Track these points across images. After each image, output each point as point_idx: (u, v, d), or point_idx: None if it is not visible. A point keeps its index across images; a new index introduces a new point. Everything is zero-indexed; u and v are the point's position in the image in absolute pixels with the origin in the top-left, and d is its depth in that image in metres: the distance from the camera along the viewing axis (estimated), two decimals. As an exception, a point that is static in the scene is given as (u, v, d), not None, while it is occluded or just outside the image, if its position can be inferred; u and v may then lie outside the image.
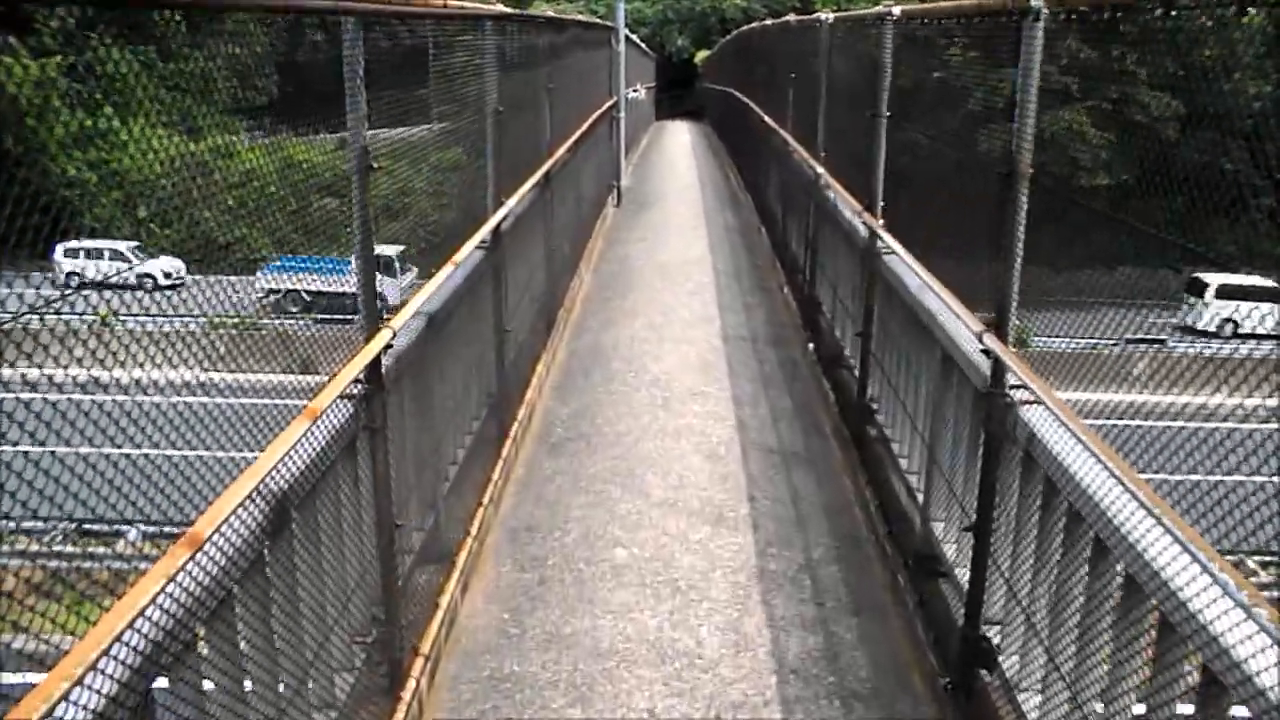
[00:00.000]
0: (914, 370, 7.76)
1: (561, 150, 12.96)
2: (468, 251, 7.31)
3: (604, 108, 20.23)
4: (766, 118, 18.14)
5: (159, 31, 3.53)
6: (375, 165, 5.15)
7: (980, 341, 5.46)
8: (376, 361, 5.19)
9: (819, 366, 11.71)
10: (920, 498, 7.34)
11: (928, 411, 7.25)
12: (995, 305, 5.44)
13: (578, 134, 15.01)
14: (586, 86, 17.51)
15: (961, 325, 6.09)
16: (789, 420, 10.59)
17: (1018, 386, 5.32)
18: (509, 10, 8.99)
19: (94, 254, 20.89)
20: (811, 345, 12.32)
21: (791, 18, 15.23)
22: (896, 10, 8.21)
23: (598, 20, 22.72)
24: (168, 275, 17.92)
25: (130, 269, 13.76)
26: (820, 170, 11.73)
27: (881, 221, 8.71)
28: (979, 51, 6.63)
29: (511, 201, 9.13)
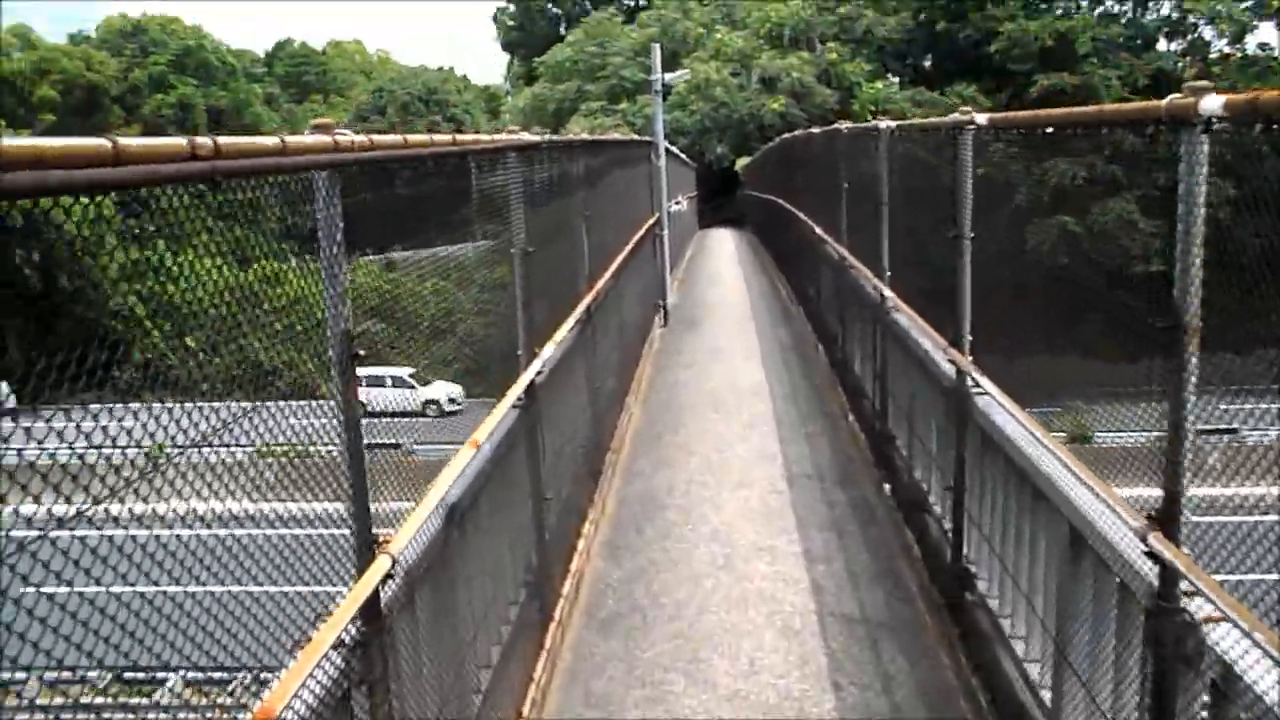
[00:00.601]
0: (1027, 540, 6.53)
1: (603, 280, 11.98)
2: (492, 425, 6.24)
3: (646, 226, 19.36)
4: (817, 228, 17.15)
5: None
6: (360, 353, 4.10)
7: (1144, 543, 4.25)
8: (374, 598, 4.08)
9: (897, 511, 10.47)
10: (1047, 698, 6.06)
11: (1051, 596, 6.02)
12: (1165, 494, 4.23)
13: (620, 259, 14.08)
14: (627, 206, 16.64)
15: (1099, 505, 4.92)
16: (869, 579, 9.32)
17: (1192, 593, 4.12)
18: (535, 138, 8.04)
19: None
20: (887, 486, 11.08)
21: (843, 125, 14.26)
22: (981, 119, 7.14)
23: (635, 136, 21.97)
24: (452, 400, 16.99)
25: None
26: (887, 294, 10.63)
27: (971, 358, 7.56)
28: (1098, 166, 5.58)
29: (547, 351, 8.10)
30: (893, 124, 10.87)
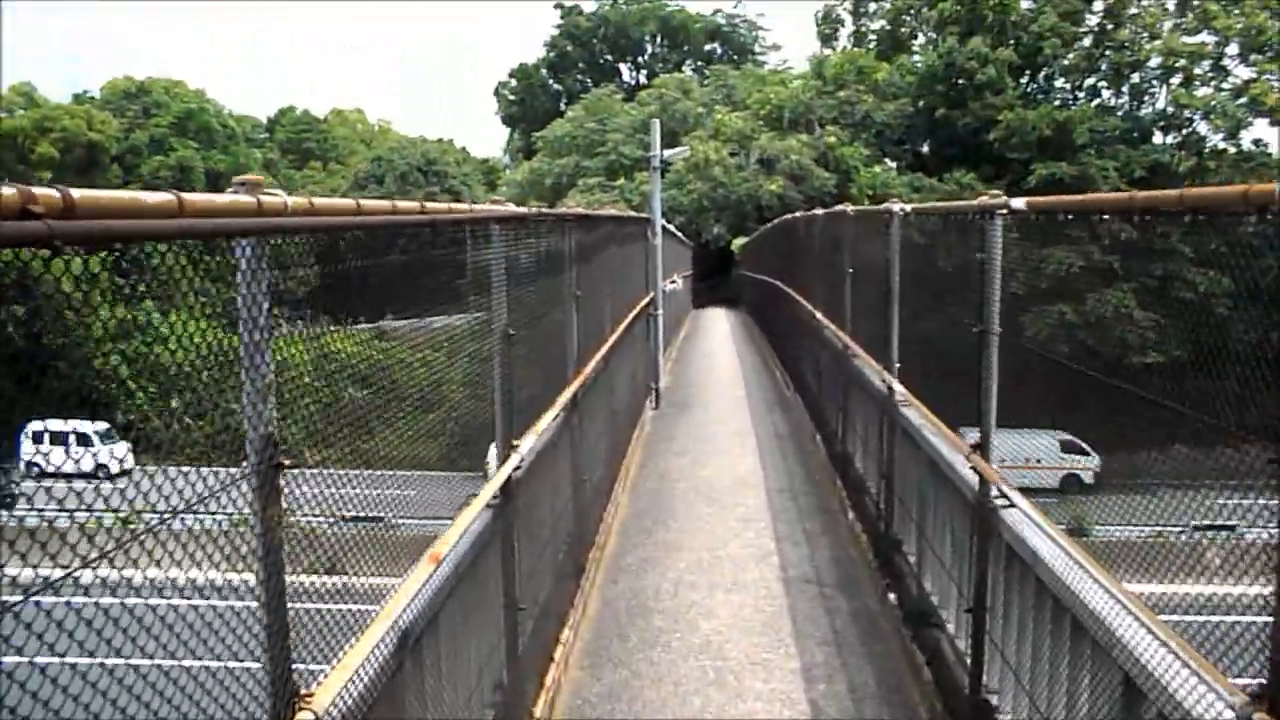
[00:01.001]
0: (1064, 678, 5.73)
1: (593, 362, 11.25)
2: (459, 532, 5.46)
3: (641, 305, 18.69)
4: (818, 313, 16.48)
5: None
6: (285, 462, 3.33)
7: (1243, 725, 3.46)
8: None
9: (904, 625, 9.62)
10: None
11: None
12: (1272, 665, 3.44)
13: (612, 340, 13.37)
14: (621, 285, 15.97)
15: (1162, 652, 4.16)
16: (875, 703, 8.46)
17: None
18: (520, 210, 7.35)
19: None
20: (892, 595, 10.25)
21: (848, 207, 13.63)
22: (1019, 203, 6.46)
23: (632, 212, 21.37)
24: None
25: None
26: (897, 387, 9.90)
27: (997, 468, 6.80)
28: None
29: (527, 443, 7.33)
30: (907, 207, 10.22)
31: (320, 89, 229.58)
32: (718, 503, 13.95)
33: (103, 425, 45.93)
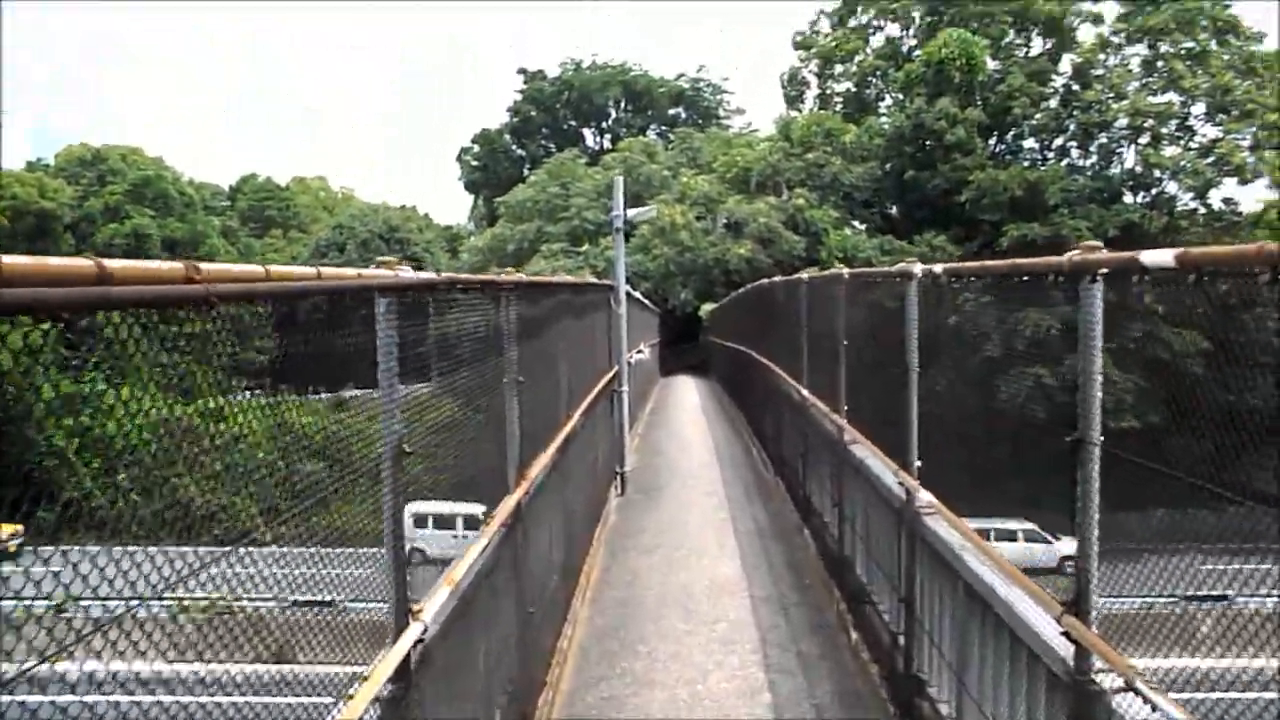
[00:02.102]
0: None
1: (543, 460, 9.23)
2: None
3: (604, 382, 16.69)
4: (803, 390, 14.54)
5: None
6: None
7: None
8: None
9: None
10: None
11: None
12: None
13: (569, 427, 11.37)
14: (580, 362, 13.98)
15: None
16: None
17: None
18: (424, 276, 5.35)
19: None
20: (920, 755, 8.19)
21: (843, 270, 11.70)
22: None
23: (593, 279, 19.39)
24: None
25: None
26: (920, 494, 7.91)
27: (1093, 630, 4.81)
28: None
29: (438, 600, 5.28)
30: (935, 269, 8.31)
31: (285, 156, 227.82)
32: (695, 616, 11.86)
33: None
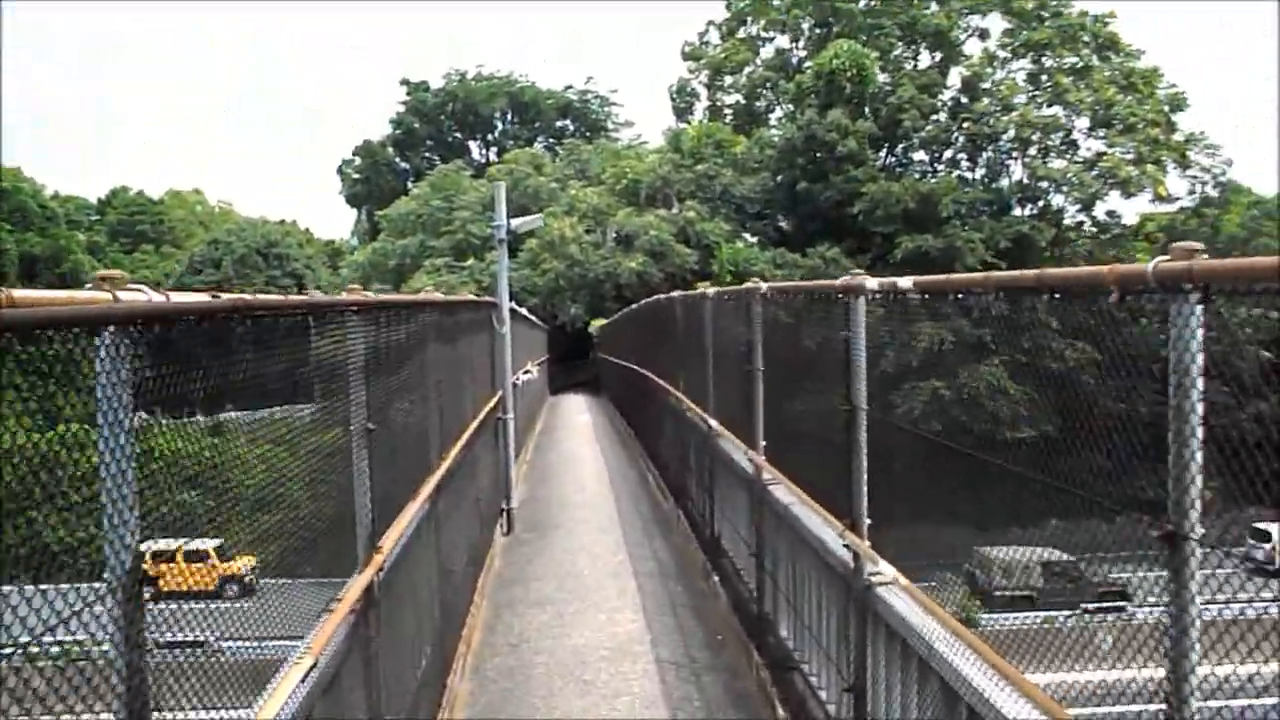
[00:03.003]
0: None
1: (401, 527, 7.45)
2: None
3: (486, 410, 14.91)
4: (711, 421, 12.98)
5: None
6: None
7: None
8: None
9: None
10: None
11: None
12: None
13: (442, 471, 9.61)
14: (458, 393, 12.21)
15: None
16: None
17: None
18: (190, 300, 3.58)
19: None
20: None
21: (760, 285, 10.08)
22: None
23: (470, 296, 17.53)
24: None
25: None
26: (875, 563, 6.34)
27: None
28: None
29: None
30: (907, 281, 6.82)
31: (159, 169, 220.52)
32: (594, 689, 10.14)
33: None
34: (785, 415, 9.62)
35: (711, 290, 12.86)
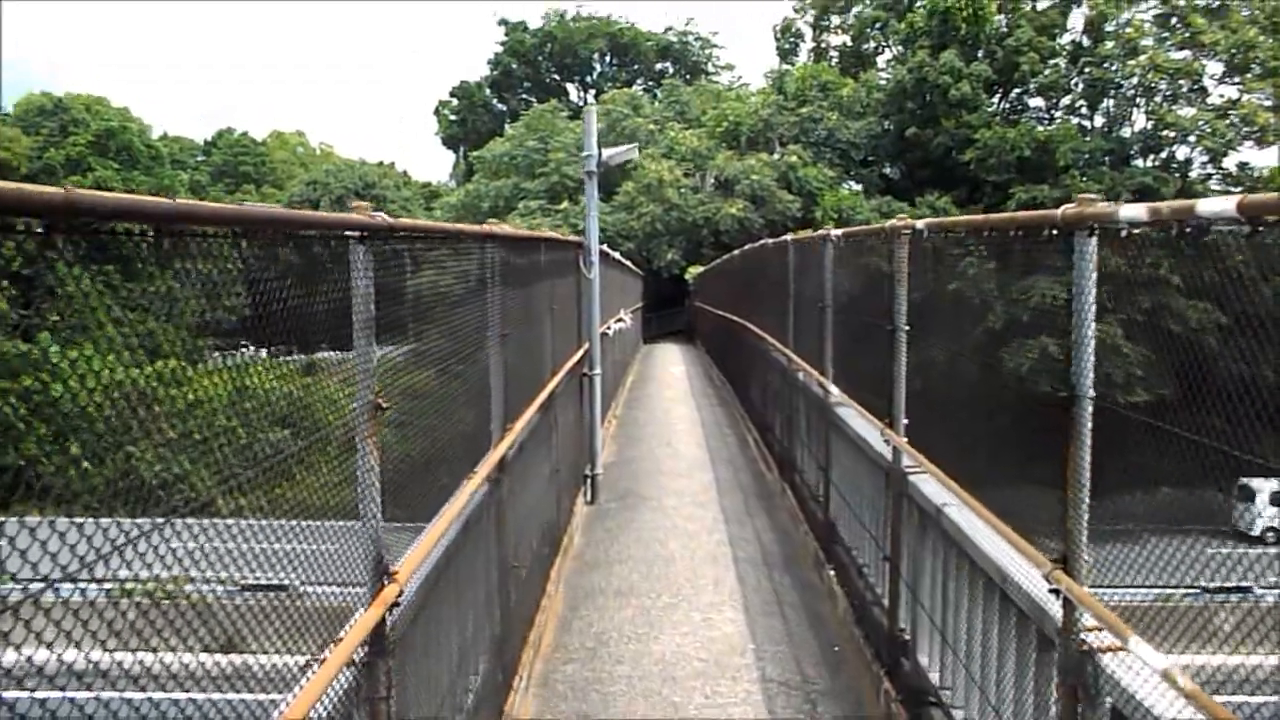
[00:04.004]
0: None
1: (465, 497, 5.66)
2: None
3: (570, 365, 13.07)
4: (829, 385, 11.00)
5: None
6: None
7: None
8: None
9: None
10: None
11: None
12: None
13: (514, 433, 7.83)
14: (534, 348, 10.38)
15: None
16: None
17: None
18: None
19: None
20: None
21: (918, 224, 7.98)
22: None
23: (554, 234, 15.60)
24: None
25: None
26: (1085, 618, 4.35)
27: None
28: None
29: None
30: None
31: (265, 111, 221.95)
32: (682, 713, 8.29)
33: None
34: (936, 390, 7.63)
35: (836, 231, 10.81)
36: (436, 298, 5.94)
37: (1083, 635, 4.61)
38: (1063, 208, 4.67)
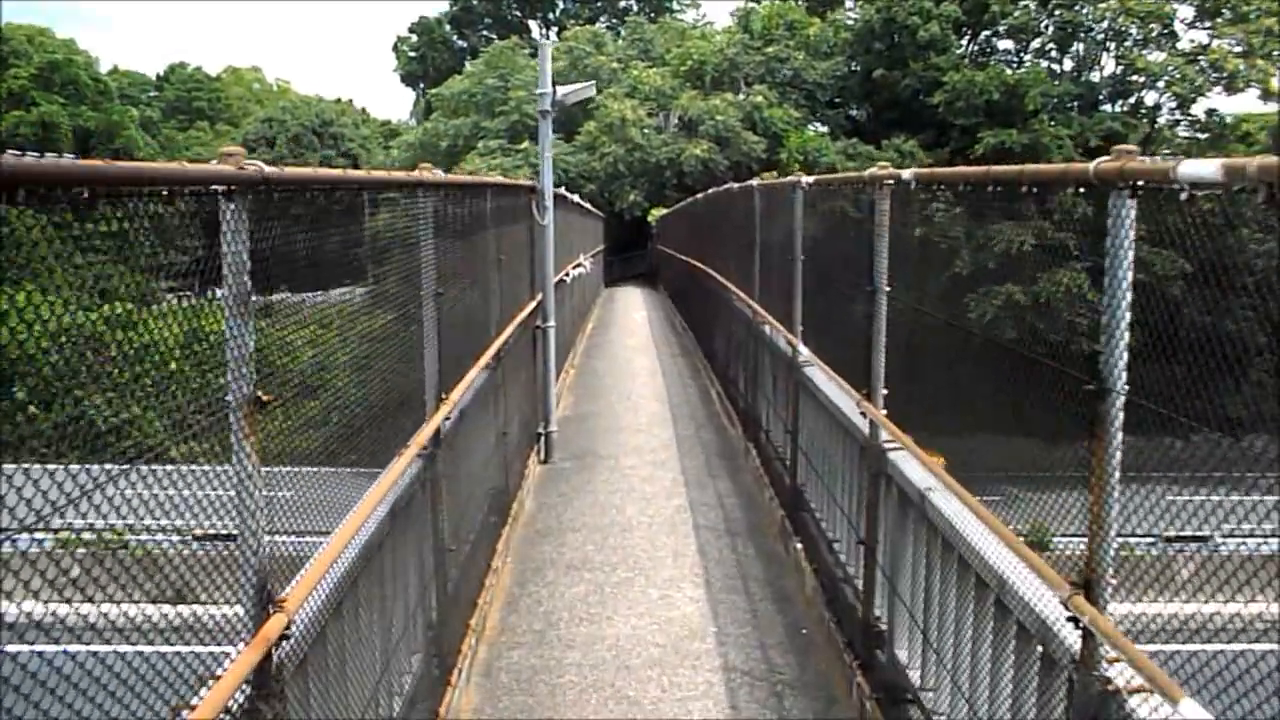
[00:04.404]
0: None
1: (389, 481, 4.85)
2: None
3: (522, 316, 12.21)
4: (799, 345, 10.23)
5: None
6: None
7: None
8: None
9: None
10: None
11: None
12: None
13: (448, 408, 7.01)
14: (483, 298, 9.52)
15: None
16: None
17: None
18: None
19: None
20: None
21: (904, 173, 7.15)
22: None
23: (500, 179, 14.56)
24: None
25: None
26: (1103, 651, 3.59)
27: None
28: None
29: None
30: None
31: (219, 44, 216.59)
32: (637, 711, 7.56)
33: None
34: (921, 358, 6.87)
35: (807, 179, 9.99)
36: (345, 261, 5.07)
37: (1106, 671, 3.87)
38: (1096, 161, 3.84)
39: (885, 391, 7.15)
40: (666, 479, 13.38)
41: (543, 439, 14.27)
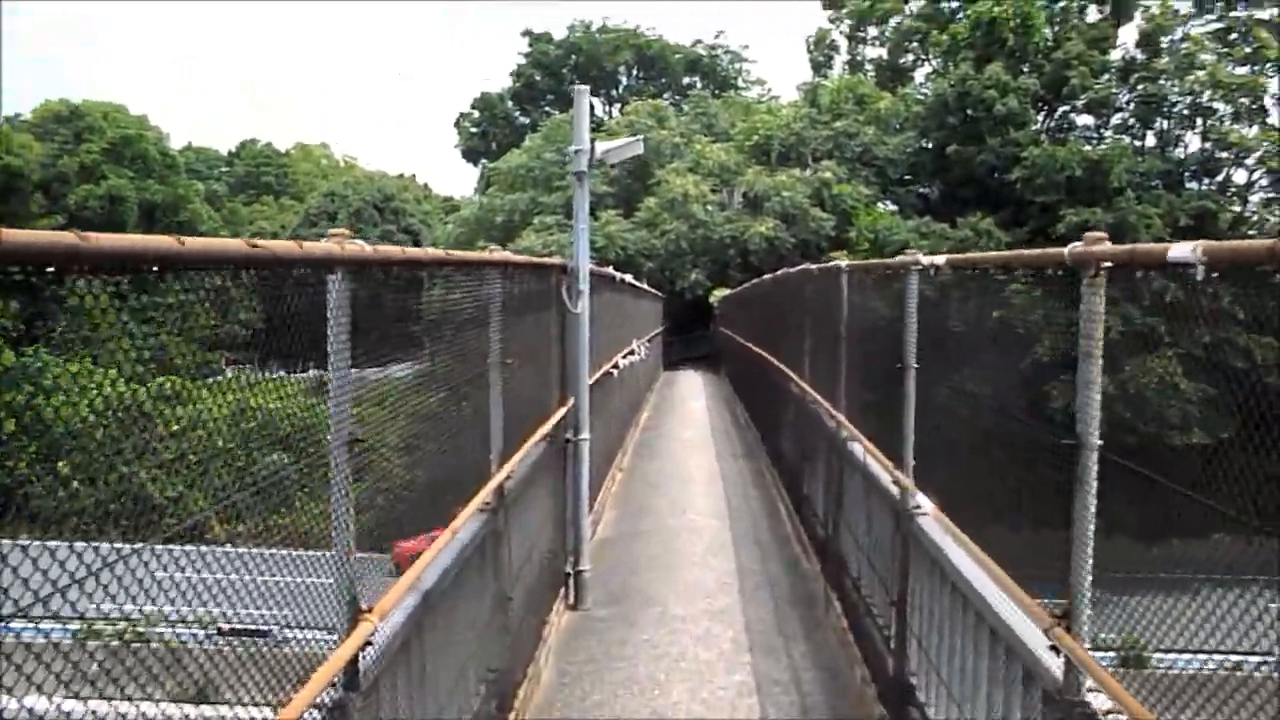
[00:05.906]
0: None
1: None
2: None
3: (543, 431, 9.51)
4: (913, 492, 7.40)
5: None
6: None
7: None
8: None
9: None
10: None
11: None
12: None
13: (399, 592, 4.27)
14: (479, 419, 6.83)
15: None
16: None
17: None
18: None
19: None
20: None
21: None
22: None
23: (516, 256, 11.88)
24: None
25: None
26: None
27: None
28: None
29: None
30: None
31: (293, 124, 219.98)
32: None
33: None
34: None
35: (925, 259, 7.29)
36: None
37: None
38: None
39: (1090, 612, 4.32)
40: (726, 639, 10.45)
41: (572, 579, 11.46)
